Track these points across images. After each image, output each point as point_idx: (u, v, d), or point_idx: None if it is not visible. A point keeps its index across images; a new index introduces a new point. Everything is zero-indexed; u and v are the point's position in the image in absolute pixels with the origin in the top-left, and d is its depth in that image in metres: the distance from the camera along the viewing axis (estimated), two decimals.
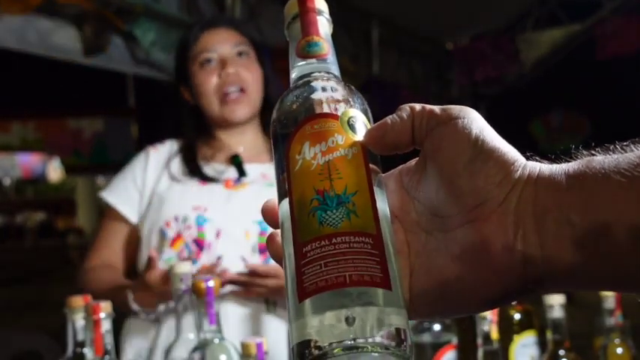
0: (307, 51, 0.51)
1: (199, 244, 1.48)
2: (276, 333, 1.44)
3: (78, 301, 1.05)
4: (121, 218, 1.58)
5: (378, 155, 0.48)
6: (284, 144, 0.48)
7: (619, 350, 1.25)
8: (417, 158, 0.49)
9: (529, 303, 1.29)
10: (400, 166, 0.51)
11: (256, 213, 1.62)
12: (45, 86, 9.39)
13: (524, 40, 6.08)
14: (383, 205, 0.46)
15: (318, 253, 0.43)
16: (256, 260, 1.47)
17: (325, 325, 0.41)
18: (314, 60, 0.51)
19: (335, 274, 0.42)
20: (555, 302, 1.17)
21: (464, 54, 6.31)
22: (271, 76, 1.66)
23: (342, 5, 4.62)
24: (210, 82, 1.56)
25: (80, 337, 1.05)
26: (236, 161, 1.57)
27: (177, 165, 1.58)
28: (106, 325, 0.98)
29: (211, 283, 1.05)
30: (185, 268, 1.15)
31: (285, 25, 0.53)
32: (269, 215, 0.50)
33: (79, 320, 1.04)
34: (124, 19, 3.31)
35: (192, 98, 1.61)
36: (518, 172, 0.43)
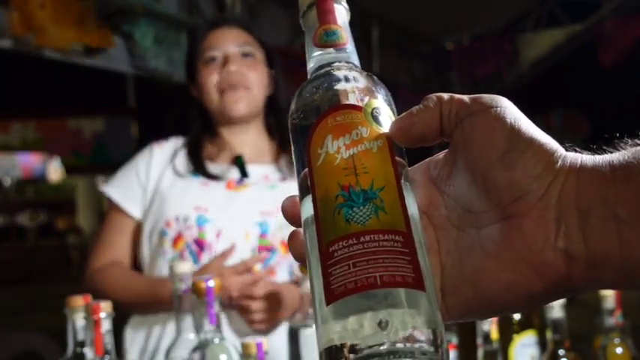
0: (325, 40, 0.48)
1: (200, 244, 1.48)
2: (276, 333, 1.44)
3: (78, 301, 1.05)
4: (125, 214, 1.57)
5: (404, 148, 0.45)
6: (304, 137, 0.45)
7: (619, 350, 1.25)
8: (446, 150, 0.46)
9: None
10: (428, 159, 0.48)
11: (257, 214, 1.63)
12: (45, 86, 9.39)
13: (524, 40, 6.08)
14: (411, 201, 0.43)
15: (346, 253, 0.40)
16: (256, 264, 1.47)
17: (356, 329, 0.39)
18: (332, 49, 0.48)
19: (365, 275, 0.39)
20: (555, 302, 1.17)
21: (464, 54, 6.32)
22: (283, 80, 1.66)
23: None
24: (211, 78, 1.56)
25: (80, 337, 1.05)
26: (239, 162, 1.57)
27: (181, 161, 1.58)
28: (106, 325, 0.98)
29: (211, 283, 1.05)
30: (185, 268, 1.15)
31: (300, 14, 0.50)
32: (290, 212, 0.47)
33: (79, 320, 1.04)
34: (124, 19, 3.31)
35: (199, 95, 1.61)
36: (559, 163, 0.41)
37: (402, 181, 0.43)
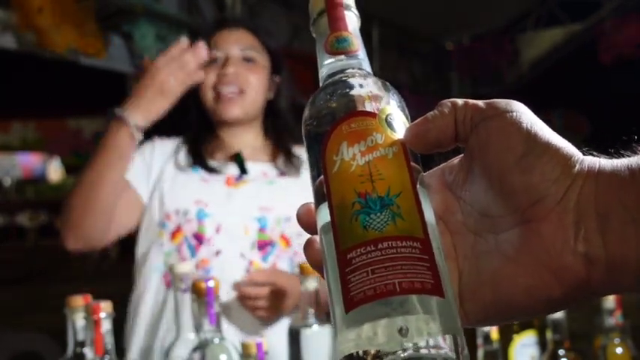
0: (336, 47, 0.49)
1: (199, 238, 1.49)
2: (276, 333, 1.44)
3: (78, 301, 1.05)
4: (129, 186, 1.54)
5: (419, 154, 0.45)
6: (319, 145, 0.45)
7: (619, 350, 1.25)
8: (461, 156, 0.46)
9: None
10: (442, 165, 0.48)
11: (256, 210, 1.64)
12: (45, 86, 9.39)
13: (524, 40, 6.08)
14: (427, 207, 0.43)
15: (364, 260, 0.40)
16: (255, 256, 1.48)
17: (375, 336, 0.38)
18: (343, 56, 0.49)
19: (383, 282, 0.39)
20: None
21: (464, 54, 6.32)
22: (287, 86, 1.65)
23: None
24: (208, 78, 1.57)
25: (80, 337, 1.05)
26: (238, 159, 1.58)
27: (182, 156, 1.59)
28: (106, 325, 0.98)
29: (211, 283, 1.05)
30: (185, 268, 1.15)
31: (310, 22, 0.51)
32: (305, 220, 0.47)
33: (79, 320, 1.04)
34: (124, 19, 3.31)
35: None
36: (577, 167, 0.40)
37: (418, 186, 0.43)
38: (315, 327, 1.18)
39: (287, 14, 4.35)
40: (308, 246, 0.46)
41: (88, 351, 1.01)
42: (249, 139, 1.63)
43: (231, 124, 1.59)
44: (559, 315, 1.18)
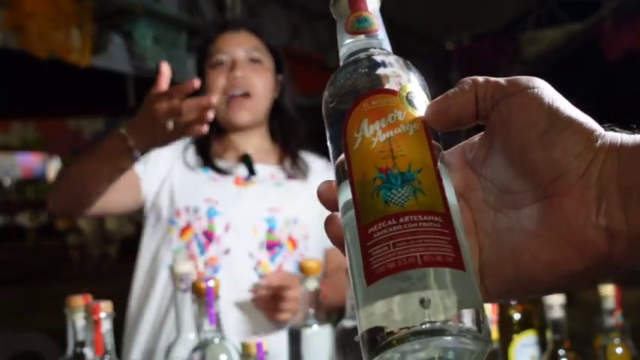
0: (357, 27, 0.49)
1: (208, 235, 1.49)
2: (276, 333, 1.44)
3: (78, 301, 1.05)
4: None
5: (439, 132, 0.46)
6: (340, 122, 0.45)
7: (619, 350, 1.25)
8: (481, 133, 0.46)
9: (529, 303, 1.30)
10: (462, 143, 0.48)
11: (265, 210, 1.64)
12: (45, 86, 9.39)
13: (525, 40, 6.08)
14: (448, 183, 0.43)
15: (386, 234, 0.40)
16: (263, 256, 1.49)
17: (397, 308, 0.39)
18: (363, 36, 0.49)
19: (405, 255, 0.39)
20: (555, 302, 1.17)
21: (464, 54, 6.32)
22: (289, 84, 1.66)
23: None
24: (217, 83, 1.57)
25: (80, 337, 1.05)
26: (247, 160, 1.59)
27: (191, 155, 1.60)
28: (106, 325, 0.98)
29: (211, 283, 1.05)
30: (185, 268, 1.15)
31: (331, 3, 0.51)
32: (325, 196, 0.47)
33: (79, 320, 1.04)
34: (124, 19, 3.31)
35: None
36: (599, 142, 0.41)
37: (439, 164, 0.43)
38: (315, 327, 1.18)
39: (287, 14, 4.35)
40: (329, 221, 0.47)
41: (88, 351, 1.01)
42: (256, 141, 1.64)
43: (240, 128, 1.60)
44: (559, 315, 1.18)
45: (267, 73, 1.61)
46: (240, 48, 1.59)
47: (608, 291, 1.26)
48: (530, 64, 6.07)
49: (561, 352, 1.18)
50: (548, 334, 1.20)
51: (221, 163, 1.59)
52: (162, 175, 1.56)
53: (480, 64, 6.11)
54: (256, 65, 1.59)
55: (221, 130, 1.63)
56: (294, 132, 1.65)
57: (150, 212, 1.56)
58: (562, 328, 1.18)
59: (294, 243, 1.53)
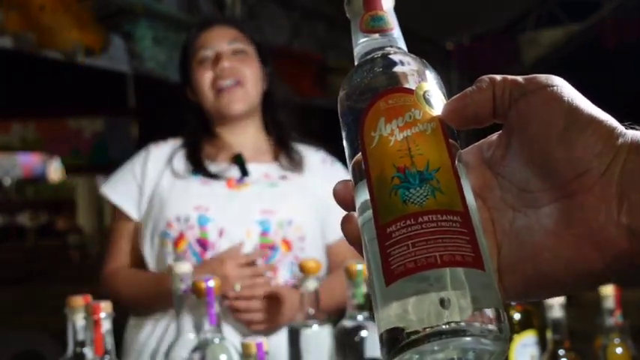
0: (372, 26, 0.49)
1: (203, 244, 1.48)
2: (277, 333, 1.44)
3: (78, 301, 1.05)
4: (125, 217, 1.58)
5: (456, 131, 0.45)
6: (356, 122, 0.45)
7: (619, 350, 1.25)
8: (499, 132, 0.46)
9: (529, 303, 1.30)
10: (480, 141, 0.48)
11: (258, 213, 1.63)
12: (45, 86, 9.39)
13: (525, 40, 6.08)
14: (466, 182, 0.43)
15: (404, 233, 0.40)
16: (258, 260, 1.47)
17: (417, 308, 0.38)
18: (378, 35, 0.49)
19: (424, 255, 0.39)
20: (555, 302, 1.17)
21: (464, 54, 6.31)
22: (274, 75, 1.66)
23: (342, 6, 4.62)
24: (205, 77, 1.56)
25: (80, 337, 1.05)
26: (239, 161, 1.57)
27: (180, 162, 1.58)
28: (106, 325, 0.98)
29: (211, 283, 1.05)
30: (185, 268, 1.15)
31: (345, 2, 0.51)
32: (342, 195, 0.46)
33: (79, 320, 1.04)
34: (124, 19, 3.31)
35: (194, 96, 1.61)
36: (620, 140, 0.40)
37: (457, 162, 0.43)
38: (315, 327, 1.18)
39: (287, 14, 4.35)
40: (346, 221, 0.46)
41: (88, 351, 1.01)
42: (250, 136, 1.62)
43: (233, 120, 1.58)
44: (559, 315, 1.18)
45: (253, 62, 1.60)
46: (222, 40, 1.58)
47: (608, 291, 1.26)
48: (530, 64, 6.06)
49: (561, 352, 1.17)
50: (548, 334, 1.20)
51: (213, 167, 1.57)
52: (149, 195, 1.56)
53: (480, 64, 6.11)
54: (241, 55, 1.58)
55: (212, 130, 1.62)
56: (288, 123, 1.64)
57: (145, 226, 1.56)
58: (562, 328, 1.18)
59: (288, 245, 1.51)
